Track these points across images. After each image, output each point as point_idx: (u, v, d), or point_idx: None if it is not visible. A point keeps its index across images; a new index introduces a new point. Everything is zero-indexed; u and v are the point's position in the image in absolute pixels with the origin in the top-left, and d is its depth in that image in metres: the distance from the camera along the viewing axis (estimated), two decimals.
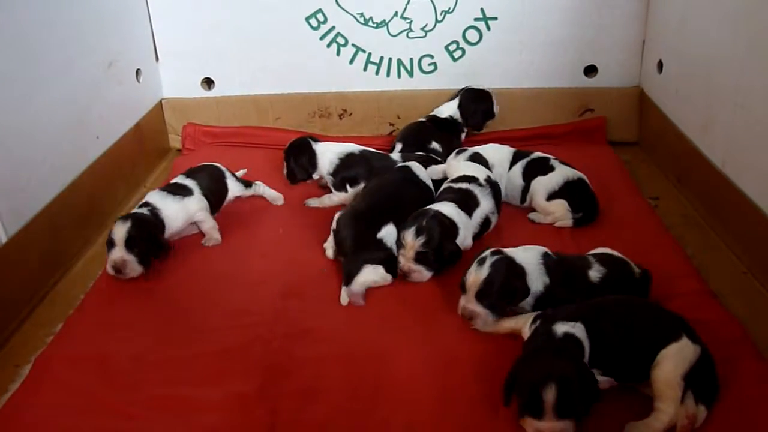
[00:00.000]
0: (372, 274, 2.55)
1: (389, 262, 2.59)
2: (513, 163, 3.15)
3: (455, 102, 3.68)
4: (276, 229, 3.00)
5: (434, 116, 3.69)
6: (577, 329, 1.98)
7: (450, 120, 3.66)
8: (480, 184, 2.85)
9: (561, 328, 1.99)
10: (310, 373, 2.14)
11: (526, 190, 3.07)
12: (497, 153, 3.20)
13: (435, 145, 3.50)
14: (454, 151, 3.25)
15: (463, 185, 2.83)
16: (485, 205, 2.81)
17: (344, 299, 2.50)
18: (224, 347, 2.25)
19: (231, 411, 1.99)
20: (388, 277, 2.57)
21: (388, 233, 2.66)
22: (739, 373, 2.03)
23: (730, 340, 2.17)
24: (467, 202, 2.76)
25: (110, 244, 2.56)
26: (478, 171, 2.94)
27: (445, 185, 2.92)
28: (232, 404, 2.01)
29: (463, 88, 3.72)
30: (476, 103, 3.66)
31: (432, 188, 3.00)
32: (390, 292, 2.56)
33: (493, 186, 2.90)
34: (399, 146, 3.51)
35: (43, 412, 2.00)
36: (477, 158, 3.13)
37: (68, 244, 2.85)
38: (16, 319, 2.47)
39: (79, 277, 2.78)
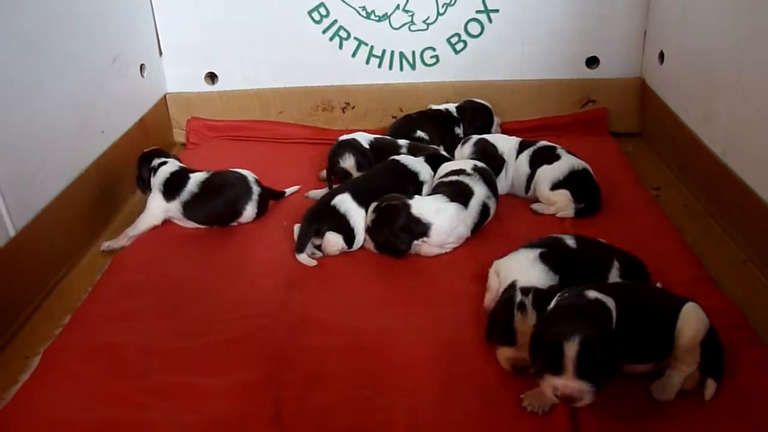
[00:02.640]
0: (335, 241, 2.74)
1: (343, 230, 2.75)
2: (519, 152, 3.17)
3: (455, 104, 3.72)
4: (280, 221, 3.03)
5: (428, 108, 3.73)
6: (609, 301, 1.91)
7: (444, 112, 3.68)
8: (468, 174, 2.88)
9: (593, 294, 1.92)
10: (315, 362, 2.16)
11: (531, 178, 3.09)
12: (505, 142, 3.23)
13: (420, 133, 3.54)
14: (461, 142, 3.27)
15: (453, 178, 2.87)
16: (479, 191, 2.83)
17: (304, 261, 2.70)
18: (230, 337, 2.28)
19: (237, 399, 2.01)
20: (343, 246, 2.76)
21: (341, 201, 2.79)
22: (739, 360, 2.06)
23: (730, 327, 2.18)
24: (462, 193, 2.79)
25: None
26: (463, 163, 2.98)
27: (436, 182, 2.96)
28: (238, 392, 2.04)
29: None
30: (474, 114, 3.67)
31: (418, 173, 3.03)
32: (394, 280, 2.60)
33: (481, 171, 2.92)
34: None
35: (52, 402, 2.03)
36: (483, 143, 3.16)
37: (75, 238, 2.88)
38: (25, 311, 2.50)
39: (86, 270, 2.81)
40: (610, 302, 1.90)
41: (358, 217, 2.78)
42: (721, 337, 2.04)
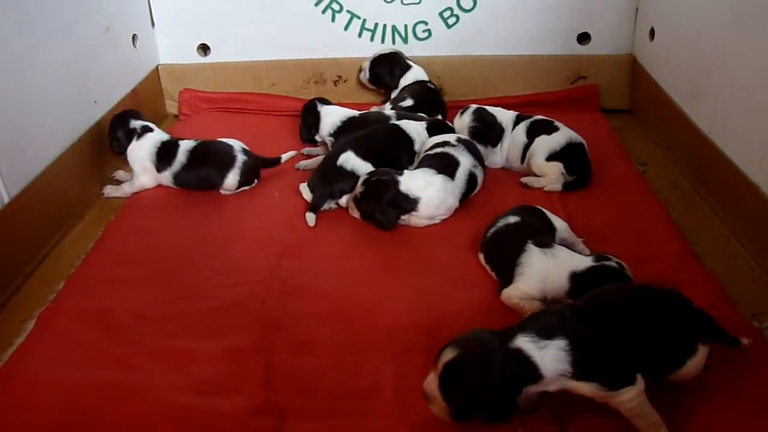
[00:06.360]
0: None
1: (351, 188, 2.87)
2: (516, 124, 3.20)
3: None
4: (272, 192, 3.06)
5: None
6: (549, 349, 1.68)
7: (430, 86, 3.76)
8: (453, 145, 2.91)
9: (520, 341, 1.70)
10: (304, 328, 2.21)
11: (528, 148, 3.11)
12: (503, 114, 3.26)
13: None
14: (460, 111, 3.29)
15: (438, 150, 2.90)
16: (465, 161, 2.86)
17: (311, 221, 2.80)
18: (222, 304, 2.33)
19: (228, 363, 2.06)
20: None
21: (345, 159, 2.90)
22: None
23: (711, 299, 2.24)
24: (448, 165, 2.82)
25: None
26: (446, 137, 3.01)
27: (421, 155, 2.98)
28: (228, 357, 2.08)
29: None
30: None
31: (414, 141, 3.09)
32: (383, 249, 2.65)
33: (465, 143, 2.95)
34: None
35: (47, 364, 2.07)
36: (481, 112, 3.19)
37: (68, 206, 2.91)
38: (20, 276, 2.53)
39: (79, 237, 2.83)
40: (550, 350, 1.68)
41: (365, 170, 2.88)
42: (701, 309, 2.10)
